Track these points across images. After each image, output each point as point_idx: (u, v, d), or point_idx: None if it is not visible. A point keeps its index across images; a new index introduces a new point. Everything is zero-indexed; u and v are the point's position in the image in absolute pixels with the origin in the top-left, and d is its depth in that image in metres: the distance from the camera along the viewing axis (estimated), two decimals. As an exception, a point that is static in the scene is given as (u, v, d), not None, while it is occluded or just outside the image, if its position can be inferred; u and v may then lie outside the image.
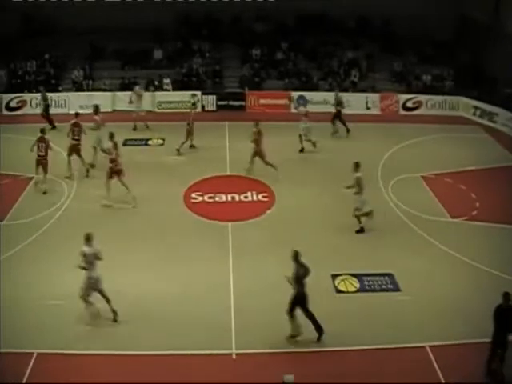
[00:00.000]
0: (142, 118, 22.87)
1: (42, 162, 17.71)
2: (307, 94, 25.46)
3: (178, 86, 26.13)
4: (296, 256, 11.65)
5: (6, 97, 25.47)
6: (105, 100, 24.66)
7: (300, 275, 11.58)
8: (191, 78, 26.61)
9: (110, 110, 24.94)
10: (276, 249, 14.83)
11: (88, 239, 12.25)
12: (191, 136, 20.31)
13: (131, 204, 16.84)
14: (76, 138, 18.68)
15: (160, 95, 25.10)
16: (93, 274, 12.16)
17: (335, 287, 13.62)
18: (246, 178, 18.51)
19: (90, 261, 12.09)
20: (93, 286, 12.19)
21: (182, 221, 16.24)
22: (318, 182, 18.45)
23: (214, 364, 11.41)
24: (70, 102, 25.12)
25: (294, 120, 22.47)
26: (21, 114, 24.88)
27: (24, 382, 10.96)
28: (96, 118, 19.50)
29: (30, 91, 25.89)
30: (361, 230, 15.84)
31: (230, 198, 17.33)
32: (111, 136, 17.11)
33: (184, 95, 24.93)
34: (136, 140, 21.16)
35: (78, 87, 26.25)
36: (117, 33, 26.76)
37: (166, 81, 25.89)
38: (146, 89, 25.41)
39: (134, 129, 22.65)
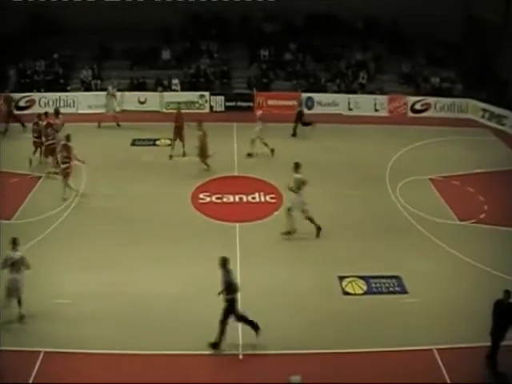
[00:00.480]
0: (111, 117, 23.17)
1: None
2: (315, 96, 25.41)
3: (186, 86, 26.14)
4: (224, 263, 11.57)
5: (15, 96, 25.48)
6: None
7: (230, 281, 11.53)
8: (199, 79, 26.62)
9: (118, 109, 24.95)
10: (283, 250, 14.90)
11: (14, 244, 12.29)
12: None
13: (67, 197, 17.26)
14: (50, 138, 18.86)
15: (168, 95, 25.12)
16: (17, 276, 12.20)
17: (342, 289, 13.60)
18: (253, 178, 18.53)
19: (15, 265, 12.09)
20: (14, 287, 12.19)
21: (190, 221, 16.26)
22: (325, 183, 18.38)
23: (221, 364, 11.48)
24: (79, 101, 25.22)
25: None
26: (29, 113, 24.88)
27: (31, 381, 11.01)
28: (56, 120, 19.70)
29: (39, 90, 25.99)
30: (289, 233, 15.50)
31: (237, 199, 17.34)
32: (67, 138, 17.35)
33: (192, 96, 24.95)
34: (144, 140, 21.20)
35: (87, 87, 26.31)
36: (125, 33, 26.77)
37: (175, 81, 25.93)
38: (155, 89, 25.49)
39: (99, 127, 22.94)
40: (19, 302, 12.39)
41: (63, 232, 15.92)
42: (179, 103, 24.64)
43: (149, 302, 13.00)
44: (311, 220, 15.45)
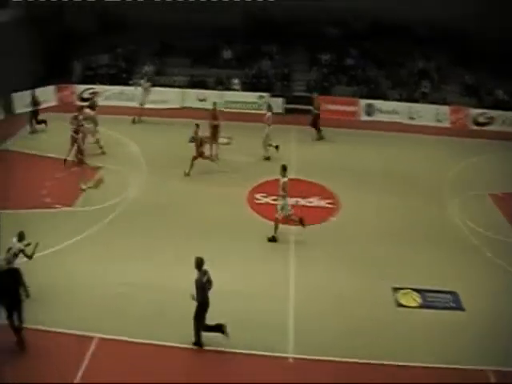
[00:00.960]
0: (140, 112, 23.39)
1: None
2: (376, 103, 25.12)
3: (247, 87, 26.27)
4: (199, 264, 11.58)
5: (80, 88, 26.23)
6: (174, 96, 25.06)
7: (203, 283, 11.51)
8: (260, 80, 26.71)
9: (178, 106, 25.33)
10: (337, 256, 14.81)
11: (20, 236, 12.56)
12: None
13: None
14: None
15: (228, 95, 25.30)
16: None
17: (396, 301, 13.36)
18: (310, 182, 18.45)
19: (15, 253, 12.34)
20: None
21: (245, 220, 16.35)
22: (385, 191, 18.20)
23: (269, 367, 11.43)
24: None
25: (362, 128, 22.35)
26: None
27: (84, 365, 11.32)
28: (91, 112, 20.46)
29: (103, 83, 26.61)
30: (273, 239, 15.46)
31: (294, 202, 17.21)
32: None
33: (252, 96, 25.04)
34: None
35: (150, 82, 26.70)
36: (188, 31, 27.17)
37: (235, 81, 26.08)
38: (215, 88, 25.70)
39: (133, 122, 23.20)
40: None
41: (120, 223, 16.29)
42: (236, 103, 24.90)
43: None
44: (293, 221, 15.50)
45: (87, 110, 20.52)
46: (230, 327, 12.12)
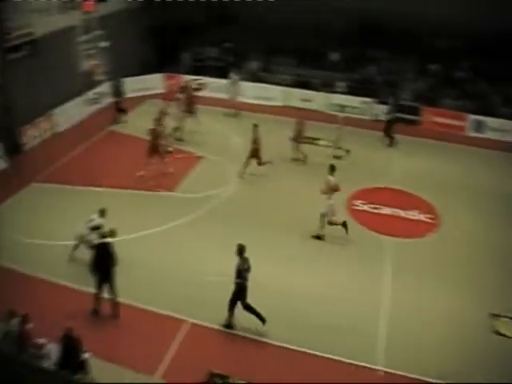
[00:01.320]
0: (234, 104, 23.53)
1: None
2: (485, 119, 24.06)
3: (352, 90, 25.93)
4: (241, 250, 12.06)
5: (187, 78, 26.83)
6: (278, 94, 25.15)
7: (241, 269, 11.95)
8: (366, 85, 26.29)
9: (280, 104, 25.40)
10: (433, 273, 14.32)
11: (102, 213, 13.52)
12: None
13: None
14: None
15: (334, 97, 25.06)
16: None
17: (494, 328, 12.69)
18: (412, 195, 17.91)
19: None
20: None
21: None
22: (489, 212, 17.36)
23: (360, 375, 11.24)
24: (245, 91, 25.89)
25: (468, 143, 21.51)
26: (199, 95, 26.05)
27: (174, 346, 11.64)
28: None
29: (210, 76, 27.14)
30: (318, 237, 15.40)
31: (393, 212, 16.86)
32: None
33: (357, 101, 24.70)
34: (305, 138, 21.29)
35: (255, 78, 26.99)
36: (296, 31, 27.14)
37: (341, 84, 25.80)
38: (319, 89, 25.56)
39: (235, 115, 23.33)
40: None
41: (218, 213, 16.56)
42: (340, 106, 24.64)
43: (295, 299, 13.14)
44: (334, 223, 15.36)
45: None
46: (318, 331, 12.08)
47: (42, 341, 10.71)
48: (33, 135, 20.71)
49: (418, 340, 12.10)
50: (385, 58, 27.97)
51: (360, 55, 28.07)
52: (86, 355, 10.49)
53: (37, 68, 20.47)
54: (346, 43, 28.19)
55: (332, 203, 15.31)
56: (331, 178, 15.24)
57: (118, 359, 11.15)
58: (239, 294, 12.15)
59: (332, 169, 15.45)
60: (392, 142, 21.82)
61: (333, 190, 15.19)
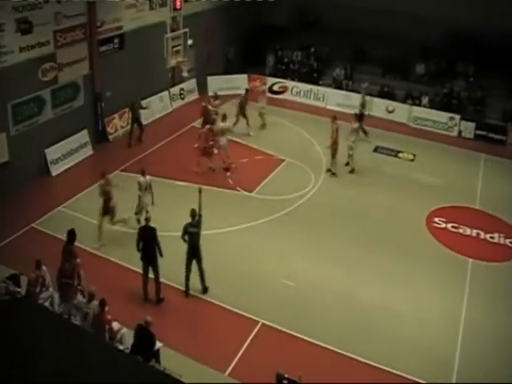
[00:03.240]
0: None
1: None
2: None
3: (437, 105, 25.32)
4: (192, 214, 12.88)
5: (271, 80, 27.05)
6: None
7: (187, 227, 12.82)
8: (451, 100, 25.61)
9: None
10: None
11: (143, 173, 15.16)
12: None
13: None
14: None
15: (417, 110, 24.54)
16: (145, 199, 15.03)
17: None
18: (494, 217, 17.27)
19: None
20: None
21: (421, 243, 15.75)
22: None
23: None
24: (328, 97, 25.84)
25: None
26: (282, 98, 26.23)
27: (245, 346, 11.75)
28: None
29: (293, 79, 27.21)
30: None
31: (474, 234, 16.30)
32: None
33: (441, 116, 24.10)
34: (387, 149, 20.99)
35: (338, 85, 26.84)
36: (383, 40, 26.75)
37: (425, 98, 25.24)
38: (404, 100, 25.12)
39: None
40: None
41: (296, 218, 16.56)
42: (424, 119, 24.13)
43: (371, 312, 12.98)
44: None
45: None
46: (392, 347, 11.87)
47: (117, 326, 11.02)
48: (119, 125, 21.40)
49: (491, 364, 11.71)
50: (474, 73, 27.15)
51: (447, 69, 27.37)
52: (159, 345, 10.73)
53: (124, 61, 21.20)
54: (434, 55, 27.60)
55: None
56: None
57: (191, 353, 11.33)
58: (189, 254, 12.89)
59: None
60: None
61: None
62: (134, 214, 15.19)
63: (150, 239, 12.72)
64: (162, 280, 12.99)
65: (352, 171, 19.24)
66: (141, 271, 12.99)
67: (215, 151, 18.81)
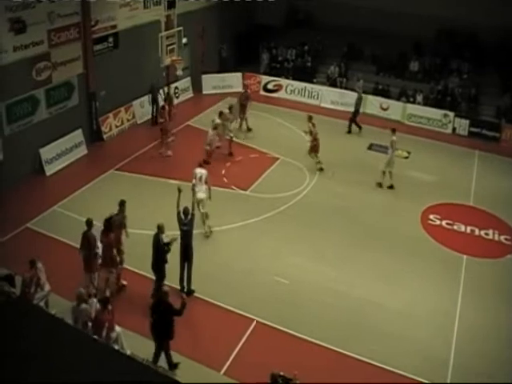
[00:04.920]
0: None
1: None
2: None
3: (431, 102, 25.39)
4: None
5: (265, 79, 27.05)
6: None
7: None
8: (445, 97, 25.68)
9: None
10: (509, 298, 13.81)
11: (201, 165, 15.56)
12: None
13: None
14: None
15: (411, 108, 24.59)
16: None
17: None
18: (489, 213, 17.35)
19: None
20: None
21: (416, 240, 15.81)
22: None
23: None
24: (323, 95, 25.84)
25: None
26: (276, 96, 26.24)
27: (241, 343, 11.78)
28: None
29: (288, 77, 27.23)
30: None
31: (469, 230, 16.37)
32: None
33: (435, 113, 24.15)
34: (381, 147, 20.99)
35: (332, 83, 26.86)
36: (377, 38, 26.86)
37: (420, 95, 25.28)
38: (399, 99, 25.16)
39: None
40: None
41: (290, 216, 16.59)
42: (418, 117, 24.20)
43: (366, 309, 13.02)
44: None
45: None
46: (387, 345, 11.92)
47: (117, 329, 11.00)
48: (113, 124, 21.37)
49: (485, 363, 11.73)
50: (468, 70, 27.20)
51: (442, 66, 27.44)
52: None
53: (118, 60, 21.14)
54: (428, 52, 27.66)
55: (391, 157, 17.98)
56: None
57: (186, 351, 11.35)
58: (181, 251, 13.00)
59: (393, 131, 17.83)
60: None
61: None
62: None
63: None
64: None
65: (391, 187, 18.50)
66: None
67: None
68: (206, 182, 15.21)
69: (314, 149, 18.99)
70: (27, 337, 6.31)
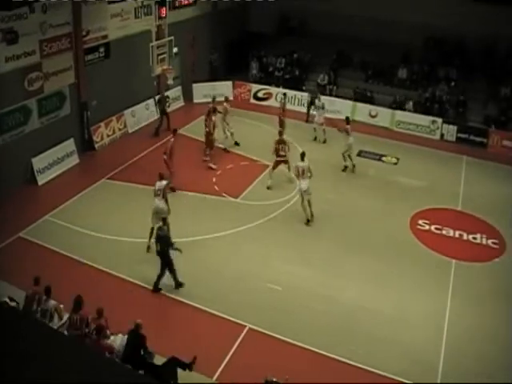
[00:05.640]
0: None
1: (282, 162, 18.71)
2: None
3: (419, 109, 25.68)
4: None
5: (255, 87, 27.28)
6: (345, 108, 25.14)
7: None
8: (433, 104, 25.99)
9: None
10: (495, 300, 14.04)
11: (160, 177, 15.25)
12: None
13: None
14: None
15: (400, 114, 24.87)
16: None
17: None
18: (477, 218, 17.60)
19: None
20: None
21: (405, 245, 16.01)
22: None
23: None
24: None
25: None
26: (266, 104, 26.45)
27: (232, 350, 11.87)
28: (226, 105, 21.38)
29: (277, 86, 27.46)
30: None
31: (457, 235, 16.60)
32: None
33: (423, 120, 24.46)
34: (370, 153, 21.25)
35: (322, 91, 27.08)
36: (365, 45, 27.21)
37: (409, 102, 25.59)
38: (390, 106, 25.45)
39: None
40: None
41: (281, 222, 16.75)
42: (407, 123, 24.49)
43: (357, 315, 13.18)
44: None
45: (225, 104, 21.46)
46: (377, 349, 12.06)
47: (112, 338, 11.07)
48: (105, 134, 21.49)
49: (479, 368, 11.84)
50: (456, 77, 27.54)
51: (430, 73, 27.77)
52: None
53: (110, 70, 21.28)
54: (416, 59, 28.00)
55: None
56: (300, 164, 16.47)
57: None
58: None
59: (302, 156, 16.91)
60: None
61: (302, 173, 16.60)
62: None
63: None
64: (146, 286, 13.40)
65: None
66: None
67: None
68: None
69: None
70: (20, 344, 6.43)
